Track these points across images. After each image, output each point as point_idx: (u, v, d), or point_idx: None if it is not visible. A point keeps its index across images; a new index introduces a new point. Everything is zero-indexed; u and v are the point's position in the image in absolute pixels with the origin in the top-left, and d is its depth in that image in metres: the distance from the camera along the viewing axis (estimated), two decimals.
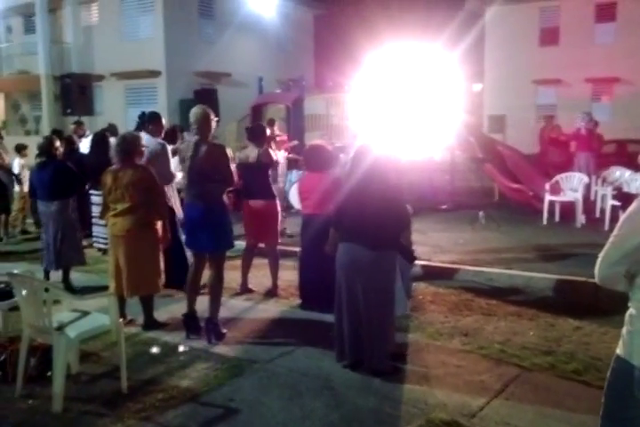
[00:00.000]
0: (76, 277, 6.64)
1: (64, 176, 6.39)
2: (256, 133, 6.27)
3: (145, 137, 5.47)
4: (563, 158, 11.29)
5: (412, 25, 18.20)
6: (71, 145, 7.28)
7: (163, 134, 6.22)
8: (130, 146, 5.02)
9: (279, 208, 6.25)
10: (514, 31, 20.78)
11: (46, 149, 6.46)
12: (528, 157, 11.22)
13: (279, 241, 6.39)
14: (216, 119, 5.01)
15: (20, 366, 3.95)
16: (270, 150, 6.29)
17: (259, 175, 6.04)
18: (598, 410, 2.21)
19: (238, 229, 6.17)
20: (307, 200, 5.69)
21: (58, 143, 6.59)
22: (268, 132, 6.15)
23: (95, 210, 7.40)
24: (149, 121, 6.11)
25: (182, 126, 12.26)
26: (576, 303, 5.59)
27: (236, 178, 5.07)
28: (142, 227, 4.96)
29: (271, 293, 6.16)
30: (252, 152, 6.12)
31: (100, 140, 8.09)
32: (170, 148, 6.07)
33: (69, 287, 6.35)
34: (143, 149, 5.17)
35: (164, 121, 6.24)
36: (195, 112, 4.90)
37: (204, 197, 4.82)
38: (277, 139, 10.62)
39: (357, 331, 4.16)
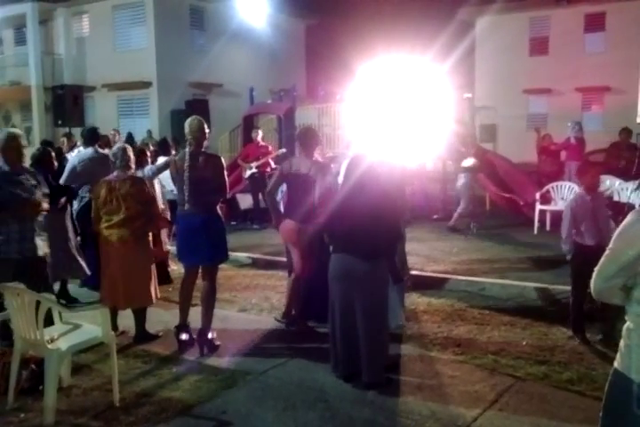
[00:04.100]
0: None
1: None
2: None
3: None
4: (553, 168, 11.33)
5: (403, 35, 18.32)
6: (59, 157, 7.26)
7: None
8: (129, 157, 5.04)
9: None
10: (504, 41, 20.88)
11: (38, 159, 6.48)
12: (520, 166, 11.27)
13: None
14: (207, 130, 5.00)
15: (12, 378, 3.92)
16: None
17: None
18: (594, 421, 2.20)
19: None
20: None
21: (52, 154, 6.62)
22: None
23: None
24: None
25: (176, 137, 12.30)
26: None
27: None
28: (138, 238, 4.97)
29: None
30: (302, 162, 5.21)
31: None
32: (163, 159, 6.05)
33: (68, 297, 6.32)
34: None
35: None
36: (190, 122, 4.89)
37: (204, 208, 4.79)
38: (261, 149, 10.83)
39: (351, 343, 4.13)
